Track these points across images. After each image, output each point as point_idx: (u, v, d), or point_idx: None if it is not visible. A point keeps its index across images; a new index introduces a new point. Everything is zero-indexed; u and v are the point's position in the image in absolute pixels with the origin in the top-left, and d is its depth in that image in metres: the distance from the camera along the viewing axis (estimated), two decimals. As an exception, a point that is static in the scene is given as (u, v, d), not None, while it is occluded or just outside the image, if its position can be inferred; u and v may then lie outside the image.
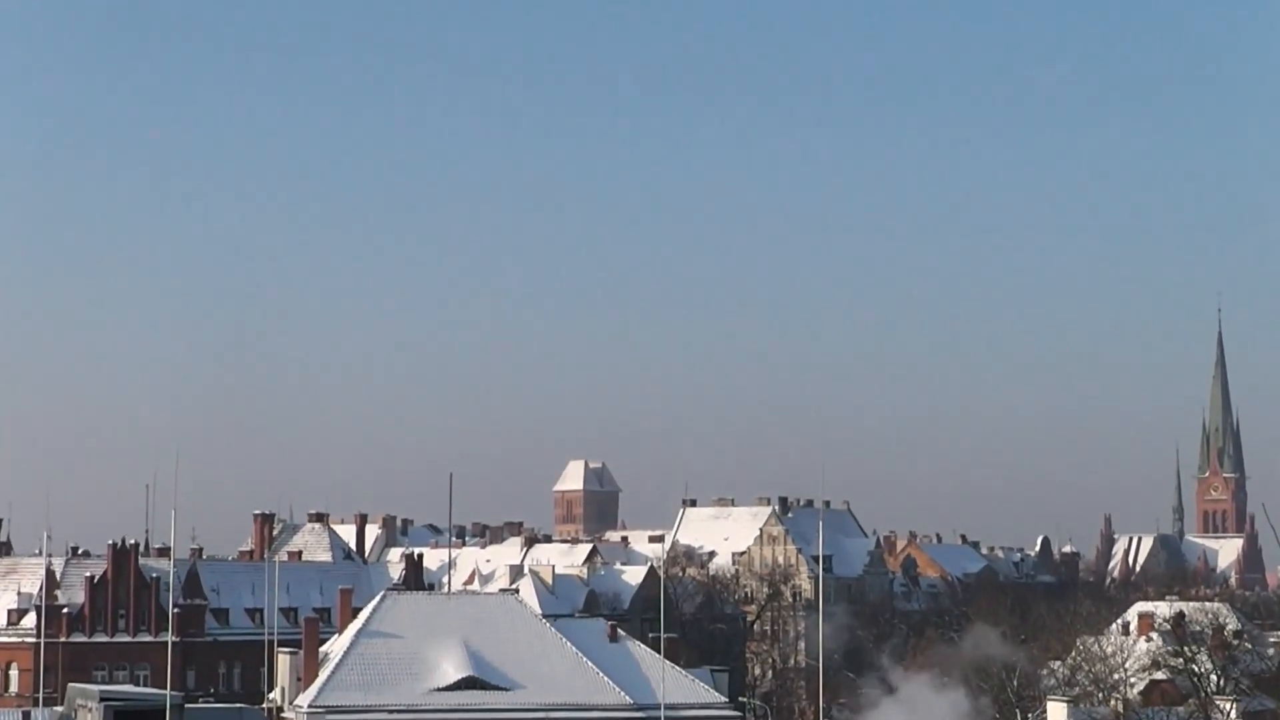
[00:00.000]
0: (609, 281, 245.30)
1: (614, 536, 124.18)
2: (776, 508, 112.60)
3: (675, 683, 46.87)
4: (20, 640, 72.12)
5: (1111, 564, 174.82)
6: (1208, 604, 71.19)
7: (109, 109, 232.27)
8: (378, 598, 50.94)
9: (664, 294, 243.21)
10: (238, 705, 53.98)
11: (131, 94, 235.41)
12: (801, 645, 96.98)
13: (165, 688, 43.67)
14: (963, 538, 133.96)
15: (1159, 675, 59.70)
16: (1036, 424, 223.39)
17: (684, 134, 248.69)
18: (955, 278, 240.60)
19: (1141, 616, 67.63)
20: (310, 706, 45.54)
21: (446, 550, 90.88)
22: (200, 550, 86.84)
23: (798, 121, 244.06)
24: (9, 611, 73.94)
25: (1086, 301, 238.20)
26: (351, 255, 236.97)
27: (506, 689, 46.47)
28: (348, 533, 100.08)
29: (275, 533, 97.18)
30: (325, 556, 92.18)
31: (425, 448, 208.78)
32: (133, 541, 75.77)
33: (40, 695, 59.77)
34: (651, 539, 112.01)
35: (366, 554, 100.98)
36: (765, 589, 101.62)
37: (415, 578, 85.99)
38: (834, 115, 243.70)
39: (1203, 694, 56.94)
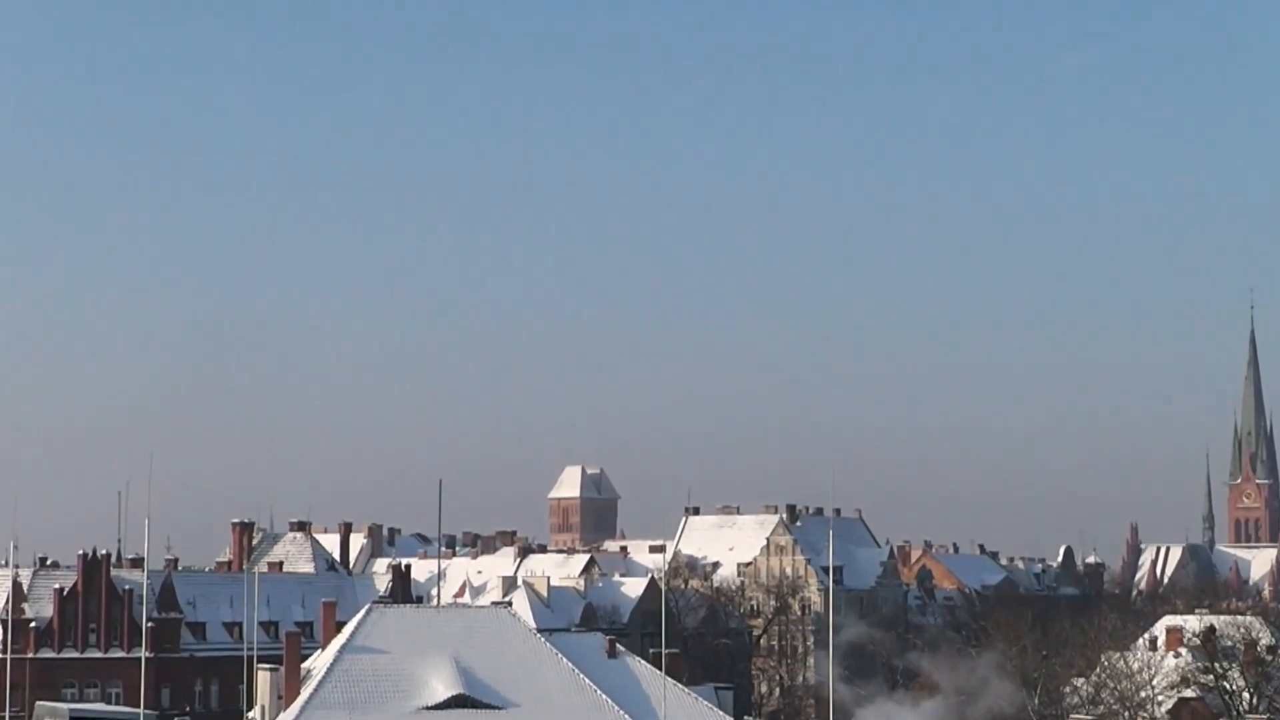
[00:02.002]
0: (607, 278, 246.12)
1: (612, 546, 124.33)
2: (784, 516, 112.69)
3: (677, 701, 46.96)
4: (-15, 656, 72.30)
5: (1138, 575, 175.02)
6: (1239, 618, 71.27)
7: (81, 103, 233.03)
8: (363, 611, 51.00)
9: (665, 291, 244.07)
10: (215, 724, 54.17)
11: (106, 88, 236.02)
12: (810, 661, 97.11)
13: (139, 706, 43.79)
14: (981, 548, 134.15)
15: (1188, 693, 59.80)
16: (1059, 428, 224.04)
17: (685, 128, 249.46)
18: (973, 275, 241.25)
19: (1170, 631, 67.72)
20: (292, 726, 45.61)
21: (435, 561, 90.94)
22: (176, 561, 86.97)
23: (811, 114, 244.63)
24: (-27, 626, 74.16)
25: (1112, 299, 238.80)
26: (335, 251, 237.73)
27: (499, 708, 46.53)
28: (331, 542, 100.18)
29: (255, 542, 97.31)
30: (308, 567, 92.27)
31: (413, 452, 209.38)
32: (104, 552, 75.85)
33: (6, 714, 59.88)
34: (652, 549, 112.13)
35: (351, 565, 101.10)
36: (772, 602, 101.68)
37: (403, 590, 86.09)
38: (847, 108, 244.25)
39: (1234, 713, 57.04)
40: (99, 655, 73.22)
